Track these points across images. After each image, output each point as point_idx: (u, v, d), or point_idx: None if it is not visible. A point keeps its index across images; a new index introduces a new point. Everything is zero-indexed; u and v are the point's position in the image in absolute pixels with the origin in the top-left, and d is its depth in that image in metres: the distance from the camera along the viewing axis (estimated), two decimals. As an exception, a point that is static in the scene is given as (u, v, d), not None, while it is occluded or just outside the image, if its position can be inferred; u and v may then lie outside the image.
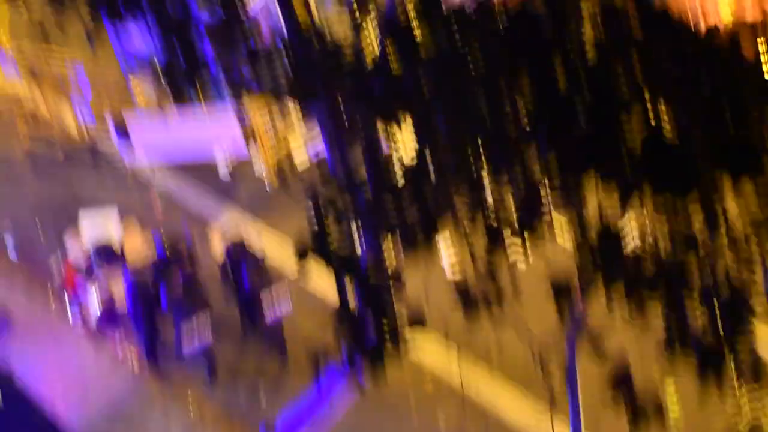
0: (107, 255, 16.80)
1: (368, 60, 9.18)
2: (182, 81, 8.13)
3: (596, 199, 7.45)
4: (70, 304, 16.37)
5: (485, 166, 7.02)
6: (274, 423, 11.01)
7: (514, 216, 7.26)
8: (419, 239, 7.32)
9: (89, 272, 16.61)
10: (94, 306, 16.18)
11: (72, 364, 15.67)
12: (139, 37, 17.67)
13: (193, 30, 8.32)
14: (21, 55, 18.48)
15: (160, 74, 8.23)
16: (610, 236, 7.39)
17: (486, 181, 7.05)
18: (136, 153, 17.72)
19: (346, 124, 8.46)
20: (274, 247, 17.15)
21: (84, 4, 8.37)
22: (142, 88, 18.06)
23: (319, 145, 18.25)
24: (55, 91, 18.60)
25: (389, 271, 7.63)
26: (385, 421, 15.01)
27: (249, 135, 17.80)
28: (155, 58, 8.41)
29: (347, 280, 7.50)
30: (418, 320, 7.29)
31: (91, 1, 8.27)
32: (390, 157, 7.91)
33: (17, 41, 18.94)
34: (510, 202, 7.19)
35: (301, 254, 7.51)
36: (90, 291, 16.41)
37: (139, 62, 17.66)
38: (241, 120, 17.85)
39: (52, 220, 17.65)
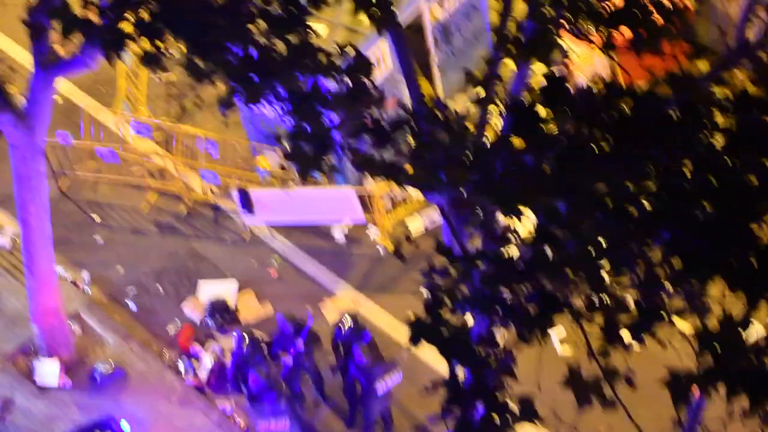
0: (223, 318, 17.15)
1: (491, 136, 9.19)
2: (309, 164, 8.23)
3: (721, 305, 7.24)
4: (183, 360, 16.66)
5: (605, 260, 6.89)
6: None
7: (634, 318, 7.09)
8: (533, 323, 7.21)
9: (204, 333, 16.96)
10: (206, 365, 16.44)
11: (182, 418, 15.89)
12: (270, 114, 18.16)
13: (320, 103, 8.43)
14: (154, 122, 19.13)
15: (287, 154, 8.35)
16: (733, 331, 7.15)
17: (605, 275, 6.92)
18: (255, 213, 18.04)
19: (465, 199, 8.45)
20: (385, 316, 17.20)
21: (221, 77, 8.57)
22: (268, 164, 18.48)
23: (435, 215, 18.31)
24: (185, 157, 19.12)
25: (500, 352, 7.54)
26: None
27: (366, 200, 17.95)
28: (284, 139, 8.56)
29: (458, 361, 7.45)
30: (528, 408, 7.16)
31: (228, 74, 8.46)
32: (507, 236, 7.85)
33: (153, 107, 19.61)
34: (630, 303, 7.03)
35: (415, 341, 7.48)
36: (203, 351, 16.71)
37: (268, 139, 18.14)
38: (359, 183, 18.01)
39: (171, 275, 18.06)
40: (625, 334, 7.22)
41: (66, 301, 16.80)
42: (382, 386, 13.91)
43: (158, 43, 8.77)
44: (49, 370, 16.36)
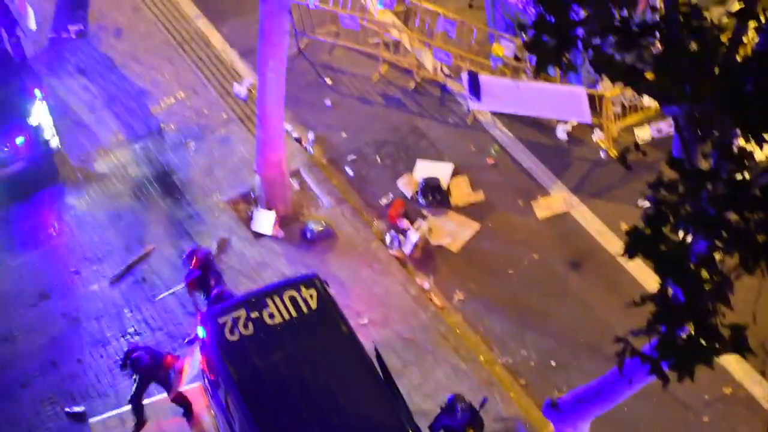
0: (434, 198, 17.34)
1: (744, 53, 8.70)
2: (548, 57, 7.97)
3: None
4: (390, 232, 17.04)
5: None
6: (559, 399, 10.98)
7: None
8: (761, 252, 6.90)
9: (414, 210, 17.20)
10: (412, 240, 16.75)
11: (381, 287, 16.35)
12: (514, 1, 17.77)
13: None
14: None
15: (527, 45, 8.12)
16: None
17: None
18: (482, 99, 17.97)
19: (706, 115, 8.10)
20: (596, 222, 16.94)
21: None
22: (503, 52, 18.25)
23: (664, 126, 17.70)
24: (421, 34, 19.18)
25: (718, 277, 7.27)
26: (673, 416, 14.60)
27: (595, 102, 17.53)
28: (525, 29, 8.32)
29: (673, 280, 7.24)
30: (740, 338, 6.92)
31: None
32: (743, 160, 7.48)
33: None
34: None
35: (630, 252, 7.27)
36: (411, 226, 17.01)
37: (507, 26, 17.85)
38: (592, 85, 17.60)
39: (391, 148, 18.36)
40: None
41: (289, 157, 17.41)
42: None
43: None
44: (265, 220, 17.12)
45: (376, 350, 13.48)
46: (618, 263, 16.18)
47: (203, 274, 14.99)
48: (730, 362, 14.86)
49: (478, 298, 16.21)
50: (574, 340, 15.53)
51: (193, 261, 15.03)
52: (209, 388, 14.01)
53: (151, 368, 13.88)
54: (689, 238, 7.23)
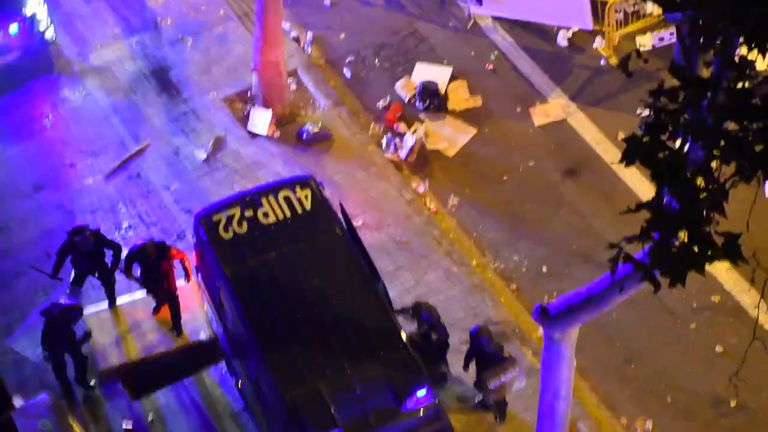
0: (431, 102, 17.23)
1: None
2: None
3: None
4: (386, 136, 16.98)
5: None
6: (548, 304, 11.09)
7: None
8: (758, 162, 6.88)
9: (411, 113, 17.11)
10: (408, 144, 16.71)
11: (376, 190, 16.36)
12: None
13: None
14: None
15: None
16: None
17: None
18: (483, 3, 17.76)
19: (710, 23, 7.98)
20: (593, 130, 16.90)
21: None
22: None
23: (666, 34, 17.52)
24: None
25: (714, 186, 7.26)
26: (661, 323, 14.80)
27: (598, 8, 17.33)
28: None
29: (669, 188, 7.23)
30: (732, 246, 6.95)
31: None
32: (745, 68, 7.41)
33: None
34: None
35: (628, 159, 7.23)
36: (407, 130, 16.94)
37: None
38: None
39: (390, 51, 18.18)
40: None
41: (287, 57, 17.26)
42: (496, 380, 13.44)
43: None
44: (261, 120, 17.04)
45: (341, 205, 13.75)
46: (614, 173, 16.20)
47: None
48: (720, 272, 15.01)
49: (472, 203, 16.26)
50: (567, 247, 15.63)
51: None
52: (202, 284, 14.13)
53: (157, 257, 14.01)
54: (687, 147, 7.20)
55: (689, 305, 14.91)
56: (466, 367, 13.72)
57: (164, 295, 14.38)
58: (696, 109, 7.26)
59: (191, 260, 14.33)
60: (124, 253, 14.37)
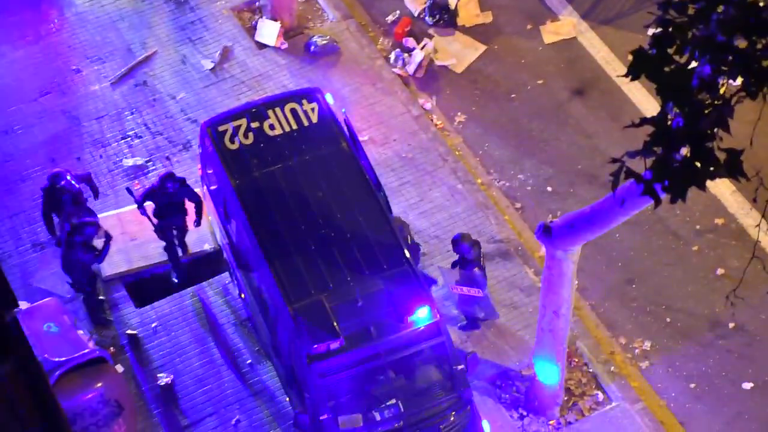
0: (441, 17, 17.02)
1: None
2: None
3: None
4: (395, 51, 16.83)
5: None
6: (552, 222, 11.09)
7: None
8: (765, 77, 6.81)
9: (420, 28, 16.91)
10: (416, 59, 16.57)
11: (383, 105, 16.28)
12: None
13: None
14: None
15: None
16: None
17: None
18: None
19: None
20: (603, 49, 16.72)
21: None
22: None
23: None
24: None
25: (720, 101, 7.20)
26: (663, 244, 14.84)
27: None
28: None
29: (674, 102, 7.17)
30: (735, 162, 6.91)
31: None
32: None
33: None
34: None
35: (634, 73, 7.15)
36: (416, 45, 16.78)
37: None
38: None
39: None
40: None
41: (296, -34, 17.01)
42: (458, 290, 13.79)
43: None
44: (269, 30, 16.88)
45: (346, 119, 13.74)
46: (622, 93, 16.09)
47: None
48: (724, 194, 15.00)
49: (479, 121, 16.18)
50: (572, 167, 15.60)
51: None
52: (207, 195, 14.15)
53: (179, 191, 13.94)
54: (694, 63, 7.12)
55: (692, 227, 14.93)
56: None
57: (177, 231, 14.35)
58: (705, 24, 7.16)
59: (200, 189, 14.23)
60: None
